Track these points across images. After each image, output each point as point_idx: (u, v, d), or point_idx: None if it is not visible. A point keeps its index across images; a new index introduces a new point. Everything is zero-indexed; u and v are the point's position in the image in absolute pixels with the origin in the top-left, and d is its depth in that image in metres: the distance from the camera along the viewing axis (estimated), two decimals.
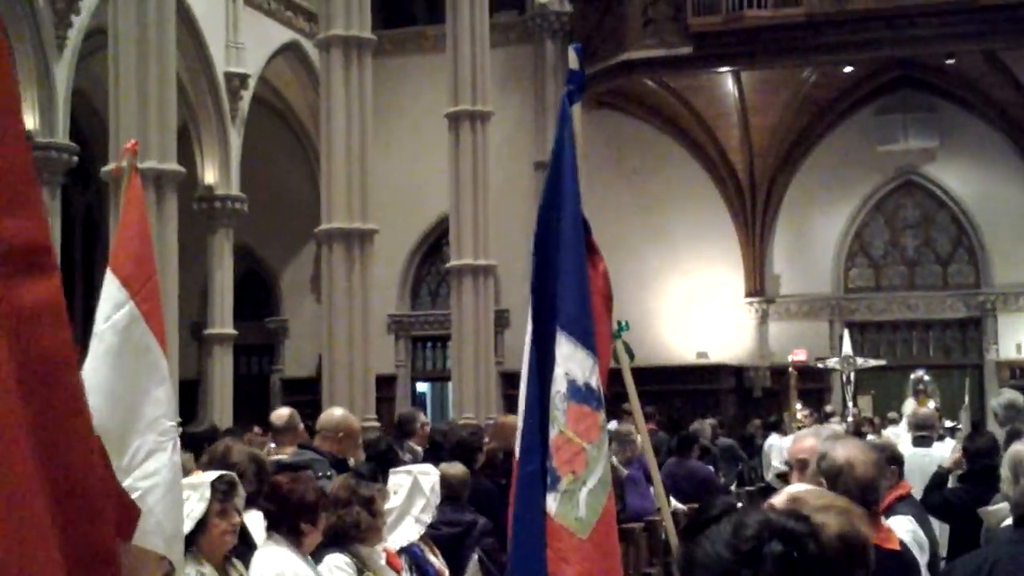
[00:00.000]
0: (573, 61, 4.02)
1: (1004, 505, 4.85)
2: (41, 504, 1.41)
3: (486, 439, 8.99)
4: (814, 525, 1.87)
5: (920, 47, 20.96)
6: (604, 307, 3.94)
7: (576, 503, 3.61)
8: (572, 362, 3.68)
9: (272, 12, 22.60)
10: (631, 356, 4.29)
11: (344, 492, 5.08)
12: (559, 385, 3.68)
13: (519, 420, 3.94)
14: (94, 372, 4.18)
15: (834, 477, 3.71)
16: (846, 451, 3.84)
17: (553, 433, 3.67)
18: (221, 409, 20.12)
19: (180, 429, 4.93)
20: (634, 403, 4.30)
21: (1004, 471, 4.66)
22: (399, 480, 5.65)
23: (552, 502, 3.63)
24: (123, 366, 4.22)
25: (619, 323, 4.15)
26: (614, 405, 4.79)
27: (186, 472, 4.69)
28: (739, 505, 3.17)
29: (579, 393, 3.67)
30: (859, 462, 3.80)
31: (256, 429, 15.58)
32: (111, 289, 4.31)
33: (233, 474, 4.57)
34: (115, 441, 4.09)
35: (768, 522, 1.79)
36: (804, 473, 4.00)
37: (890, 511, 5.24)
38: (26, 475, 1.39)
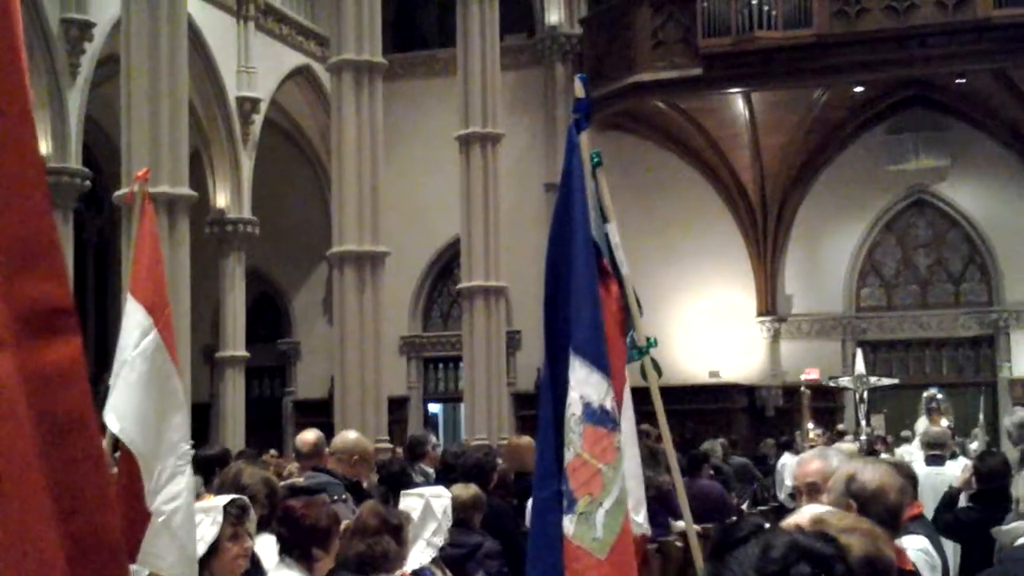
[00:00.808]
0: (579, 90, 4.08)
1: (1018, 524, 4.84)
2: (61, 565, 1.43)
3: (499, 460, 8.99)
4: (841, 547, 1.87)
5: (930, 67, 20.96)
6: (617, 330, 3.98)
7: (593, 524, 3.64)
8: (587, 385, 3.72)
9: (283, 37, 22.73)
10: (659, 372, 4.32)
11: (374, 520, 5.02)
12: (574, 408, 3.72)
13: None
14: (128, 401, 4.25)
15: (866, 500, 3.68)
16: (878, 475, 3.81)
17: (569, 456, 3.70)
18: (233, 432, 20.17)
19: (193, 452, 4.98)
20: (661, 420, 4.32)
21: (1020, 490, 4.66)
22: (411, 503, 5.66)
23: (569, 524, 3.67)
24: (151, 392, 4.30)
25: (648, 339, 4.19)
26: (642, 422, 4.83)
27: (196, 496, 4.73)
28: (767, 526, 3.17)
29: (594, 415, 3.70)
30: (891, 487, 3.78)
31: (272, 452, 15.65)
32: (137, 316, 4.37)
33: (245, 498, 4.59)
34: (145, 466, 4.17)
35: (795, 544, 1.79)
36: (813, 496, 3.99)
37: (903, 530, 5.23)
38: (47, 537, 1.41)
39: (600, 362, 3.73)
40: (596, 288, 3.83)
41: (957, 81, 21.80)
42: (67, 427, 1.42)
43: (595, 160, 4.17)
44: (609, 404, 3.72)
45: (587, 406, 3.70)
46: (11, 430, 1.39)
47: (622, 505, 3.68)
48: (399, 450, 15.42)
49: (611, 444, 3.70)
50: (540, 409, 3.90)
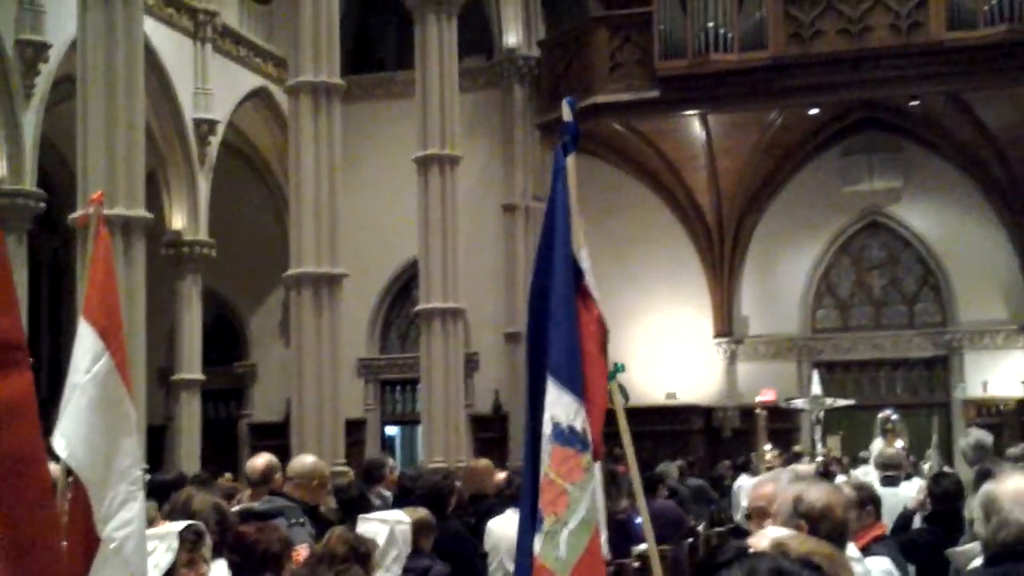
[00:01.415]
0: (567, 113, 4.09)
1: (973, 546, 4.88)
2: None
3: (458, 483, 8.97)
4: (825, 574, 1.87)
5: (884, 89, 21.20)
6: (598, 351, 4.00)
7: (557, 543, 3.67)
8: (557, 406, 3.76)
9: (241, 58, 22.67)
10: (625, 397, 4.36)
11: (342, 547, 4.96)
12: (546, 428, 3.76)
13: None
14: (78, 426, 4.20)
15: (815, 520, 3.77)
16: (823, 494, 3.90)
17: (540, 475, 3.74)
18: (189, 455, 20.01)
19: (148, 477, 4.92)
20: (627, 444, 4.33)
21: (976, 511, 4.69)
22: (373, 528, 5.63)
23: (537, 543, 3.71)
24: (101, 417, 4.24)
25: (615, 365, 4.21)
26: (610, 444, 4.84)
27: (150, 522, 4.68)
28: (750, 550, 3.20)
29: (562, 435, 3.74)
30: (837, 505, 3.90)
31: (227, 475, 15.53)
32: (89, 340, 4.33)
33: (201, 524, 4.56)
34: (94, 492, 4.12)
35: (780, 570, 1.79)
36: (763, 520, 4.03)
37: (867, 551, 5.28)
38: None
39: (572, 384, 3.77)
40: (574, 309, 3.87)
41: (911, 103, 22.06)
42: (14, 464, 1.40)
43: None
44: (579, 425, 3.75)
45: (556, 426, 3.74)
46: None
47: (588, 526, 3.71)
48: (351, 472, 15.37)
49: (578, 465, 3.73)
50: (524, 428, 3.97)
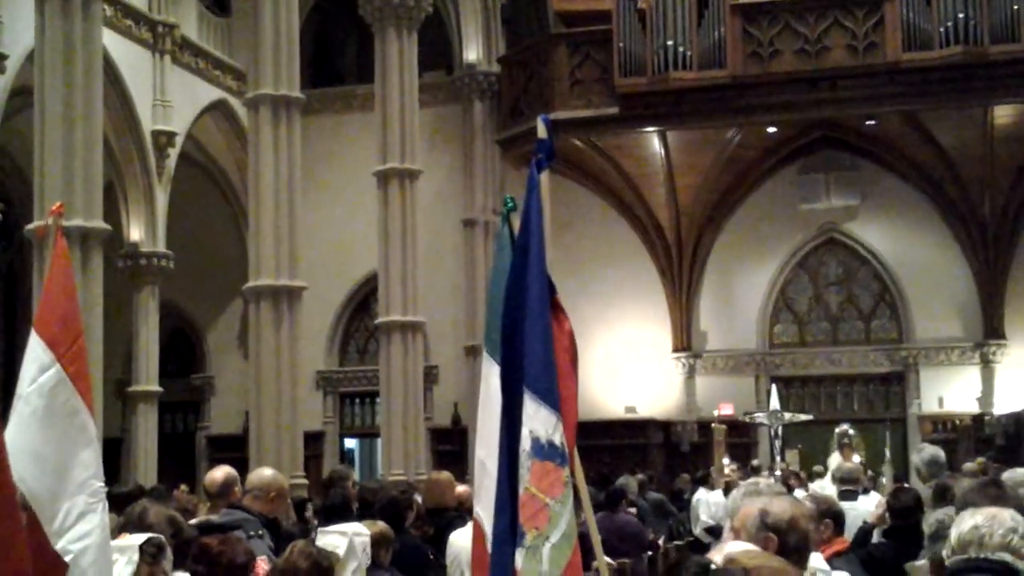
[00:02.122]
0: (542, 131, 4.09)
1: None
2: None
3: (417, 497, 8.95)
4: None
5: (841, 108, 21.40)
6: (570, 365, 4.02)
7: (540, 558, 3.68)
8: (536, 420, 3.76)
9: (200, 70, 22.58)
10: None
11: (304, 562, 4.85)
12: (524, 443, 3.76)
13: (483, 483, 4.05)
14: (20, 435, 4.15)
15: (783, 532, 3.82)
16: (788, 506, 3.98)
17: (520, 490, 3.75)
18: (146, 468, 19.85)
19: (107, 489, 4.88)
20: (574, 458, 4.35)
21: (933, 527, 4.76)
22: (333, 540, 5.60)
23: (519, 558, 3.71)
24: (50, 429, 4.20)
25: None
26: None
27: (111, 535, 4.64)
28: (713, 566, 3.25)
29: (542, 450, 3.75)
30: (801, 516, 3.98)
31: (183, 487, 15.42)
32: (36, 351, 4.29)
33: (161, 537, 4.53)
34: (46, 505, 4.08)
35: None
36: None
37: (831, 566, 5.30)
38: None
39: (549, 397, 3.78)
40: (549, 323, 3.88)
41: (867, 123, 22.28)
42: None
43: (509, 205, 4.21)
44: (558, 439, 3.76)
45: (535, 441, 3.75)
46: None
47: (569, 540, 3.72)
48: (302, 485, 15.29)
49: (559, 479, 3.74)
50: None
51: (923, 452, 8.96)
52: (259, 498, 6.77)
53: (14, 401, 4.30)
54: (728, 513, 4.69)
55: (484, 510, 4.17)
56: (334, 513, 7.37)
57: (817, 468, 18.42)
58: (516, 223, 4.14)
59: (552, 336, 3.88)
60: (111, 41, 18.49)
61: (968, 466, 11.54)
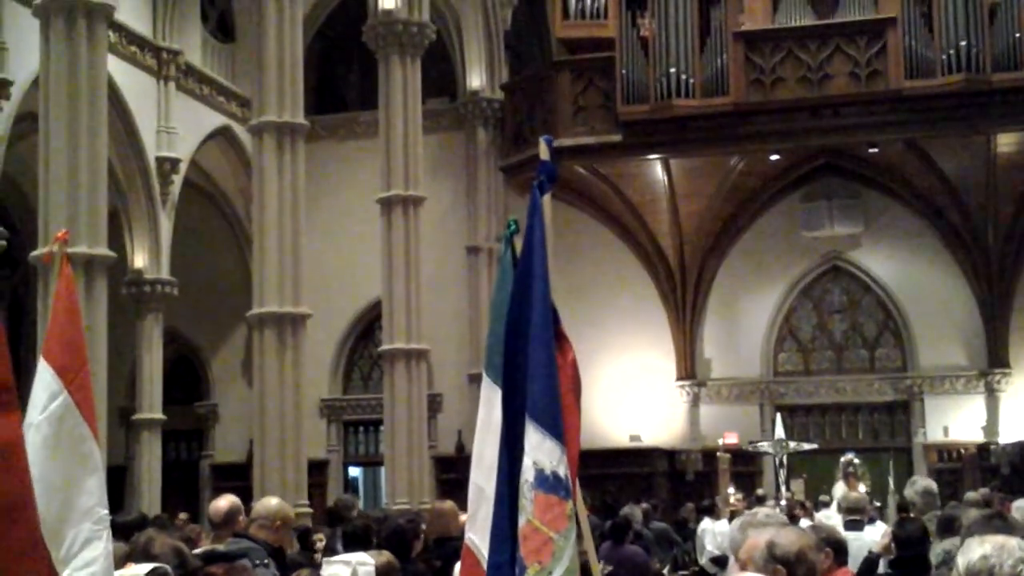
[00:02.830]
0: (544, 152, 4.06)
1: None
2: None
3: (423, 526, 8.90)
4: None
5: (844, 136, 21.42)
6: (573, 396, 3.97)
7: None
8: (540, 451, 3.70)
9: (204, 97, 22.65)
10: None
11: None
12: (527, 475, 3.70)
13: (479, 510, 3.98)
14: (32, 464, 4.13)
15: (791, 564, 3.81)
16: (795, 537, 3.96)
17: (521, 522, 3.69)
18: (149, 496, 19.82)
19: (111, 518, 4.86)
20: (575, 487, 4.31)
21: (939, 558, 4.73)
22: (337, 571, 5.58)
23: None
24: (58, 456, 4.19)
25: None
26: None
27: (116, 564, 4.62)
28: None
29: (546, 482, 3.69)
30: (809, 547, 3.96)
31: (182, 516, 15.37)
32: (46, 378, 4.29)
33: (167, 567, 4.50)
34: (51, 532, 4.05)
35: None
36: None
37: None
38: None
39: (554, 428, 3.72)
40: (553, 353, 3.83)
41: (870, 150, 22.28)
42: (7, 509, 1.33)
43: (512, 228, 4.17)
44: (562, 471, 3.70)
45: (539, 472, 3.68)
46: None
47: (572, 575, 3.67)
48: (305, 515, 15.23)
49: (563, 512, 3.68)
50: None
51: (916, 484, 8.93)
52: (264, 527, 6.75)
53: (23, 429, 4.28)
54: (730, 544, 4.66)
55: (478, 535, 4.13)
56: (355, 541, 7.32)
57: (824, 498, 18.33)
58: (519, 246, 4.11)
59: (556, 366, 3.84)
60: (116, 67, 18.56)
61: (970, 496, 11.46)
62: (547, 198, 3.96)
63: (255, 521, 6.82)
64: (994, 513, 5.99)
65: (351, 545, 7.28)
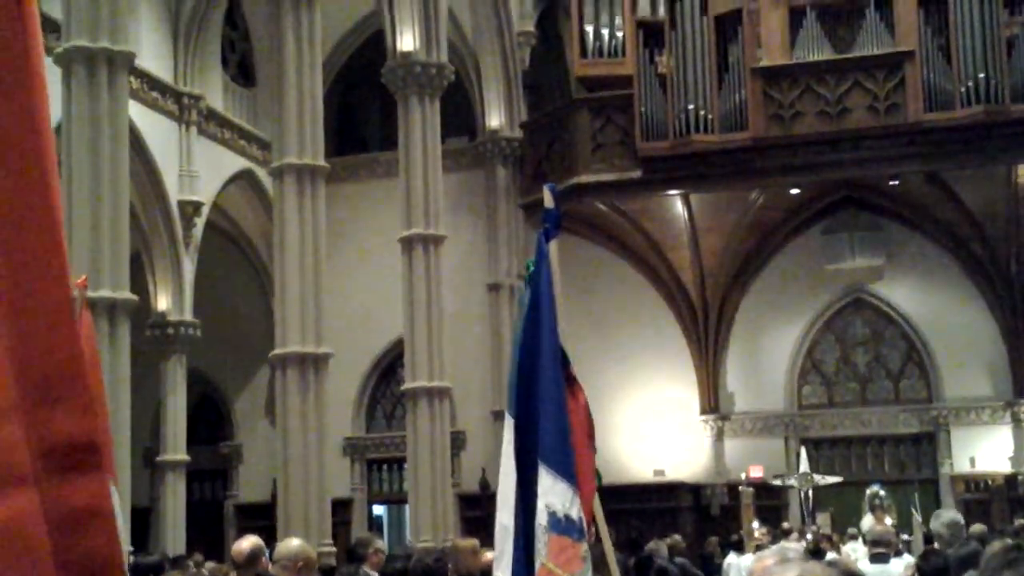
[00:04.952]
0: (548, 200, 4.10)
1: None
2: None
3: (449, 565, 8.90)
4: None
5: (864, 169, 21.38)
6: (585, 438, 3.99)
7: None
8: (552, 494, 3.71)
9: (225, 141, 22.84)
10: (599, 478, 4.34)
11: None
12: (540, 518, 3.71)
13: (504, 548, 3.98)
14: None
15: None
16: (826, 572, 3.96)
17: (537, 565, 3.69)
18: (174, 537, 19.84)
19: (132, 559, 4.88)
20: (601, 525, 4.32)
21: None
22: None
23: None
24: None
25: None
26: None
27: None
28: None
29: (559, 524, 3.70)
30: None
31: (196, 556, 15.35)
32: None
33: None
34: None
35: None
36: None
37: None
38: None
39: (566, 470, 3.73)
40: (563, 396, 3.84)
41: (890, 183, 22.25)
42: (96, 570, 1.35)
43: (532, 270, 4.19)
44: (575, 513, 3.71)
45: (552, 515, 3.69)
46: (35, 574, 1.33)
47: None
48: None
49: (576, 554, 3.69)
50: (513, 517, 3.90)
51: (941, 517, 8.86)
52: (287, 568, 6.75)
53: None
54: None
55: (505, 574, 4.14)
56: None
57: (852, 531, 18.21)
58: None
59: (567, 409, 3.85)
60: (137, 113, 18.74)
61: (976, 528, 11.30)
62: (554, 244, 3.99)
63: (278, 563, 6.83)
64: (1013, 546, 5.95)
65: None
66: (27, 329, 1.38)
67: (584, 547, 3.71)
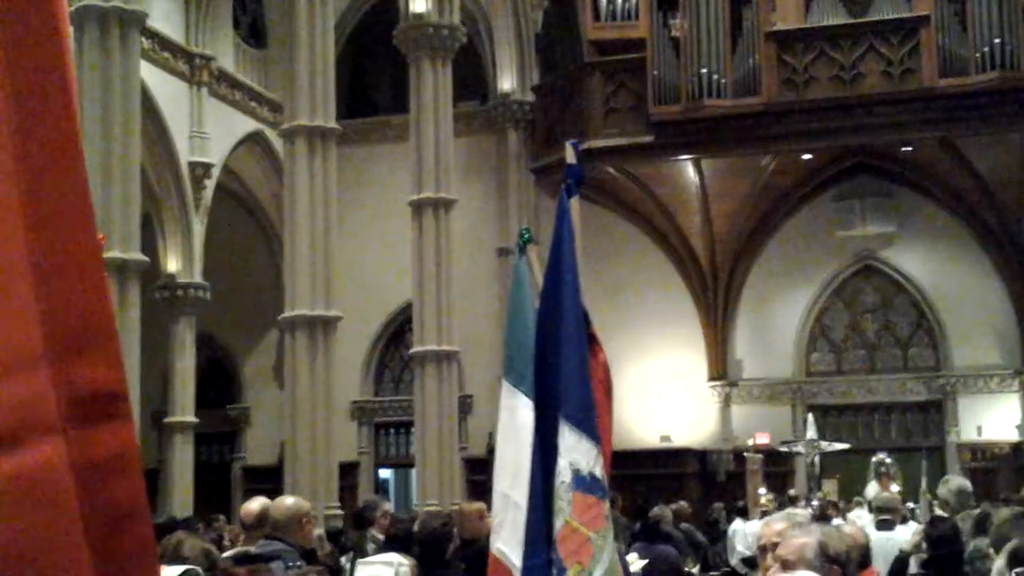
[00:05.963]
0: (571, 156, 4.06)
1: None
2: None
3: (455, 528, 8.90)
4: None
5: (877, 135, 21.28)
6: (605, 397, 3.98)
7: None
8: (576, 452, 3.70)
9: (236, 102, 22.78)
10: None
11: None
12: (564, 475, 3.70)
13: (505, 518, 3.97)
14: None
15: (843, 563, 3.86)
16: (844, 535, 4.14)
17: (558, 523, 3.68)
18: (181, 499, 19.92)
19: None
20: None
21: (999, 562, 4.77)
22: (377, 571, 5.60)
23: None
24: None
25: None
26: None
27: None
28: None
29: (584, 482, 3.69)
30: (854, 547, 4.19)
31: (222, 518, 15.43)
32: None
33: (198, 569, 4.53)
34: None
35: None
36: (777, 555, 4.03)
37: None
38: None
39: (590, 428, 3.72)
40: (586, 354, 3.83)
41: (903, 149, 22.15)
42: (121, 518, 1.36)
43: (525, 237, 4.17)
44: (599, 471, 3.70)
45: (576, 473, 3.68)
46: (60, 522, 1.34)
47: (612, 574, 3.67)
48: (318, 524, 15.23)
49: (600, 512, 3.68)
50: (531, 475, 3.88)
51: (949, 483, 8.88)
52: (287, 527, 6.75)
53: None
54: (758, 543, 4.66)
55: (507, 545, 4.11)
56: (397, 542, 7.34)
57: (858, 498, 18.23)
58: (532, 254, 4.12)
59: (589, 367, 3.84)
60: (148, 73, 18.69)
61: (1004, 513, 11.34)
62: (575, 201, 3.96)
63: (276, 521, 6.82)
64: (1022, 513, 5.96)
65: (391, 546, 7.29)
66: (55, 278, 1.38)
67: (607, 506, 3.71)
